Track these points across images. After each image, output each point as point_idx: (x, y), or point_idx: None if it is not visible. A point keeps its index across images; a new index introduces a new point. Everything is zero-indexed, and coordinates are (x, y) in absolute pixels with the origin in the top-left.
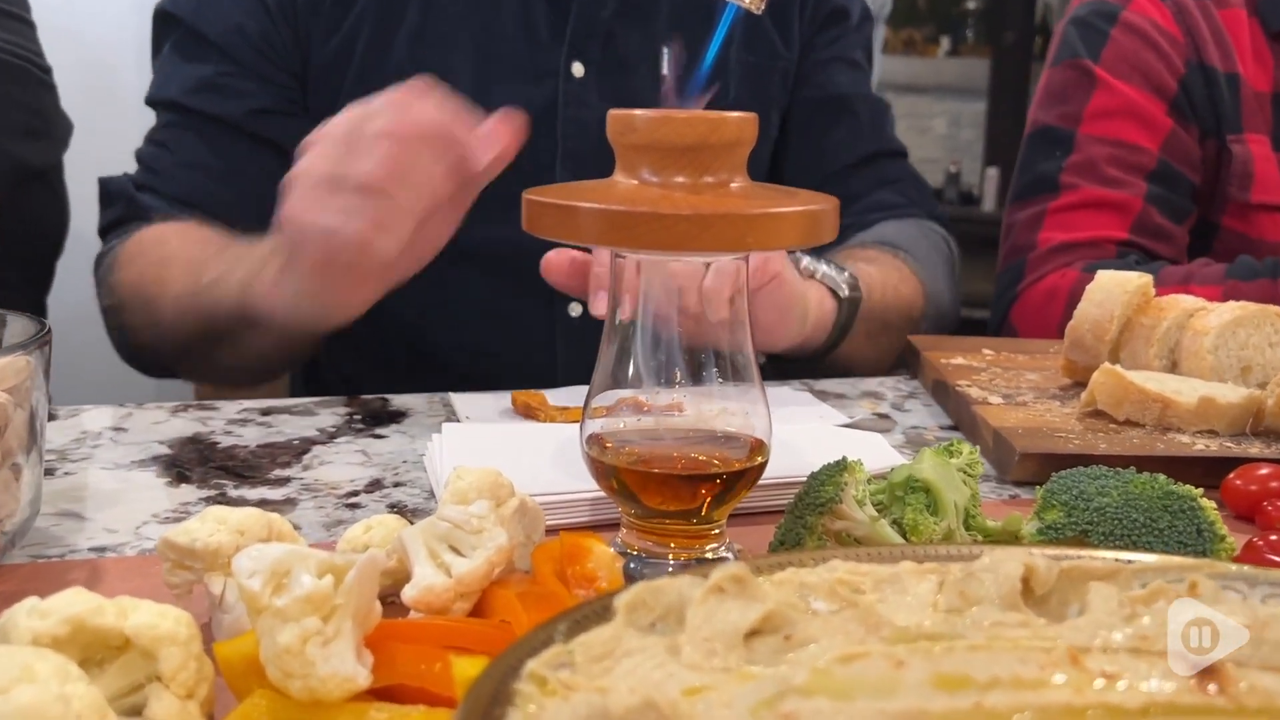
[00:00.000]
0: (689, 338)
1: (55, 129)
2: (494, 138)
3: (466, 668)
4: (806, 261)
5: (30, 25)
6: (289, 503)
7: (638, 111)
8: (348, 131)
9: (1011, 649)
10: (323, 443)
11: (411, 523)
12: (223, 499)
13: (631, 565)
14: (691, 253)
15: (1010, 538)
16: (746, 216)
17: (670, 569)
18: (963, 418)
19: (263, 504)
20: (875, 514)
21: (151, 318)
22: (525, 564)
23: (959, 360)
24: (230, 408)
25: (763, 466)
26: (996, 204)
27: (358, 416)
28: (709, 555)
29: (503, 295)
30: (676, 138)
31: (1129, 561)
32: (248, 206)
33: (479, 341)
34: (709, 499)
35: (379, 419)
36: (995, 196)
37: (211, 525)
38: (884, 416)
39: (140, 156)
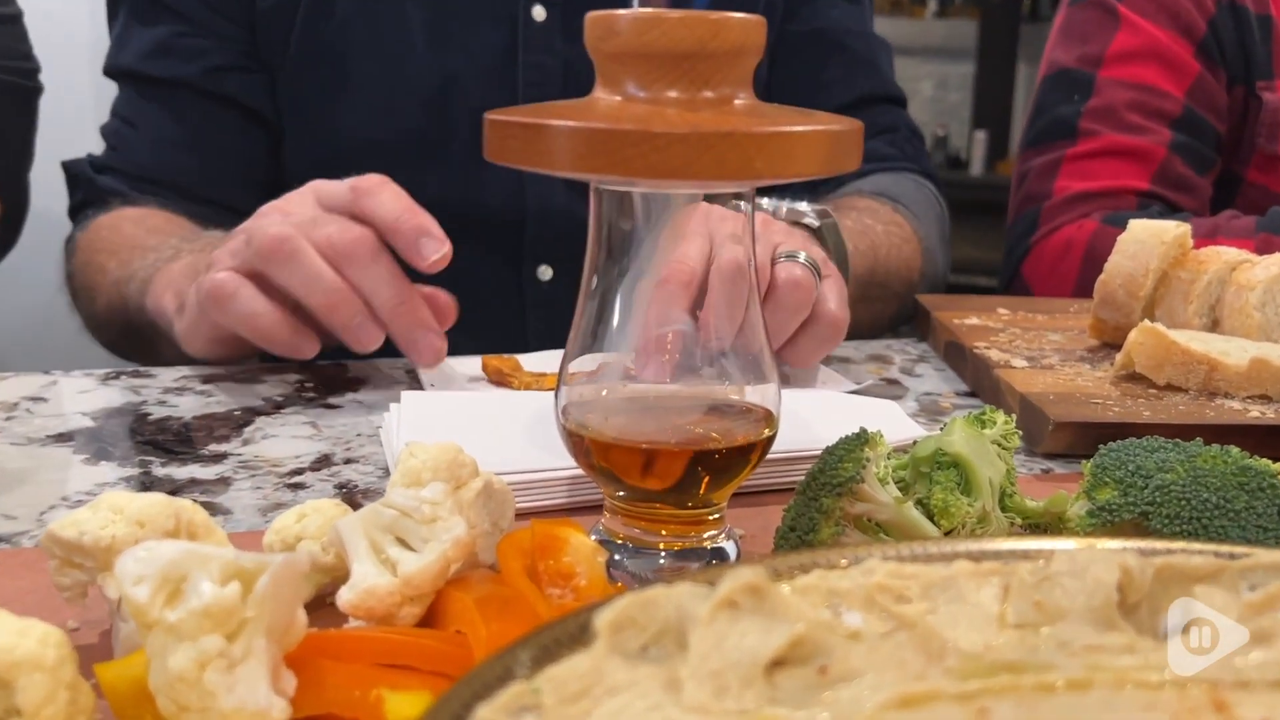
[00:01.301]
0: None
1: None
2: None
3: (401, 707)
4: (765, 203)
5: (15, 21)
6: (222, 482)
7: (621, 11)
8: (287, 238)
9: (1123, 686)
10: (267, 413)
11: (360, 506)
12: (146, 479)
13: (616, 557)
14: (687, 181)
15: (1054, 521)
16: (754, 136)
17: (662, 560)
18: (982, 383)
19: (192, 484)
20: (900, 495)
21: (89, 308)
22: (491, 556)
23: (973, 320)
24: (168, 374)
25: (770, 440)
26: (984, 167)
27: (309, 384)
28: (706, 544)
29: (465, 257)
30: (669, 43)
31: (1231, 556)
32: (218, 174)
33: None
34: (707, 479)
35: (333, 387)
36: (983, 160)
37: (105, 515)
38: (893, 382)
39: (104, 133)
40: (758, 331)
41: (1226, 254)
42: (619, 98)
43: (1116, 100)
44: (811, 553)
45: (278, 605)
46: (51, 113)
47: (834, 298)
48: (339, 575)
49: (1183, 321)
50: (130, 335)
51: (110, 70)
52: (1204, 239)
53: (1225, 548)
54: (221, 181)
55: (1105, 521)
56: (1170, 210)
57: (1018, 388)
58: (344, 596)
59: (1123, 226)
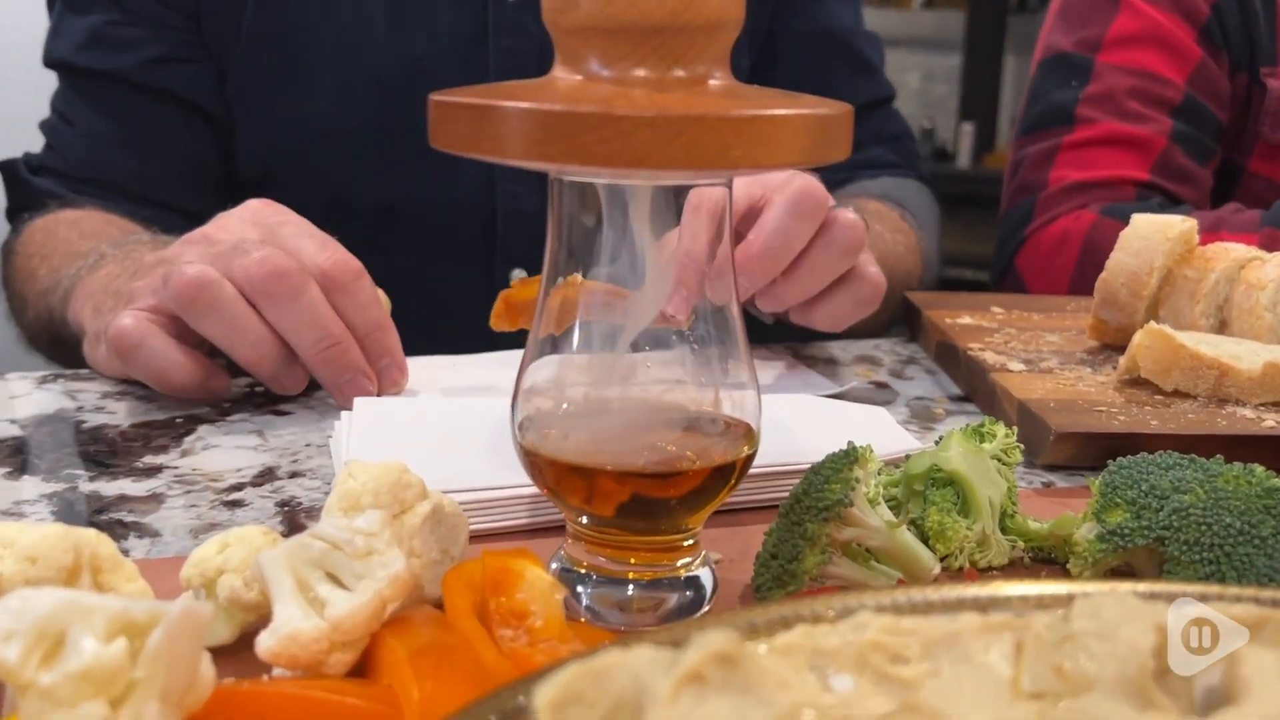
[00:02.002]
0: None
1: None
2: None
3: None
4: None
5: None
6: (153, 499)
7: None
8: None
9: None
10: (211, 421)
11: (303, 527)
12: (71, 495)
13: (579, 589)
14: (655, 170)
15: (1060, 545)
16: (731, 121)
17: (630, 592)
18: (977, 387)
19: (119, 501)
20: (893, 518)
21: (21, 319)
22: (440, 589)
23: (966, 320)
24: (109, 378)
25: (750, 459)
26: (971, 160)
27: (259, 389)
28: (680, 572)
29: (434, 261)
30: (636, 15)
31: (1274, 603)
32: (161, 173)
33: (408, 313)
34: (680, 503)
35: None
36: (970, 152)
37: None
38: (882, 385)
39: (42, 129)
40: (736, 331)
41: (1235, 251)
42: (580, 77)
43: (1116, 86)
44: (794, 604)
45: (174, 662)
46: (12, 101)
47: (874, 265)
48: (265, 613)
49: (1189, 323)
50: (60, 348)
51: (47, 61)
52: (1207, 234)
53: (1267, 593)
54: (166, 181)
55: (1117, 547)
56: (1170, 202)
57: (1015, 393)
58: (264, 643)
59: (1121, 218)
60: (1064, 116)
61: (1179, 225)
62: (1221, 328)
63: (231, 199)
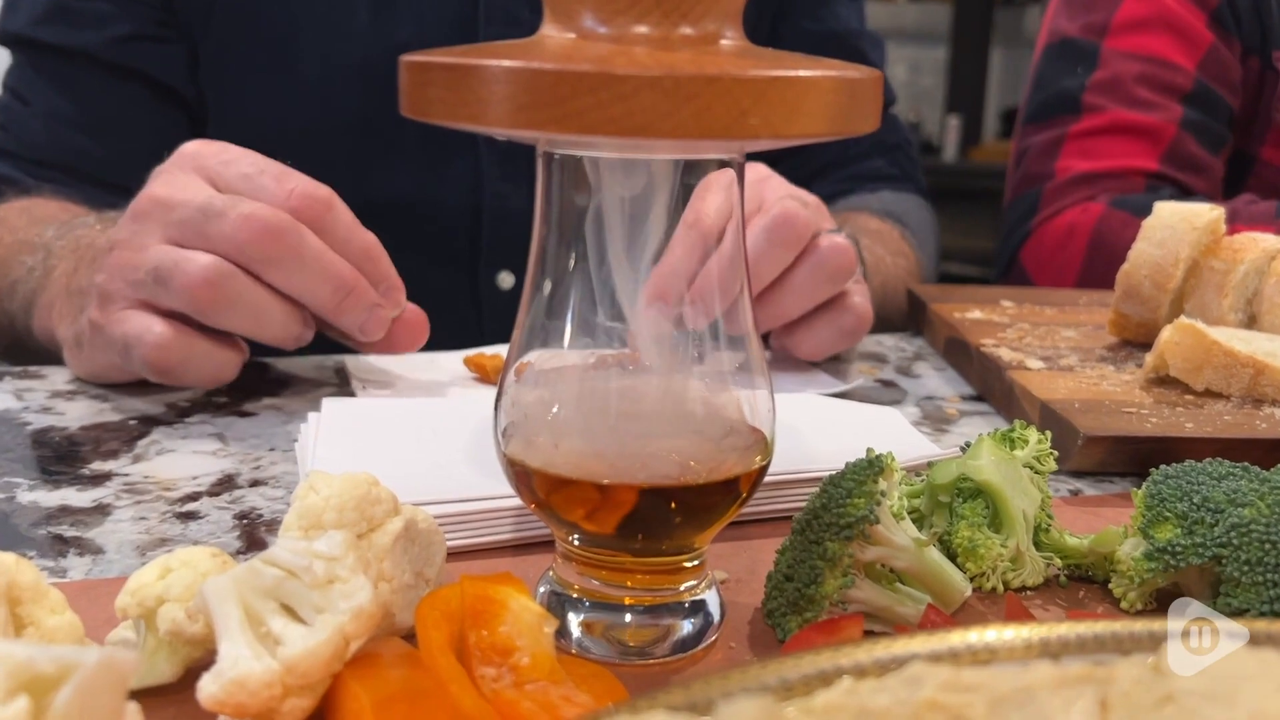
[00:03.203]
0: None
1: None
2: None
3: None
4: None
5: None
6: (98, 511)
7: None
8: (191, 214)
9: None
10: (168, 423)
11: (264, 543)
12: (8, 507)
13: (569, 616)
14: (661, 140)
15: (1101, 562)
16: (748, 83)
17: (628, 619)
18: (992, 386)
19: (61, 513)
20: (920, 536)
21: None
22: (411, 618)
23: (976, 314)
24: (61, 375)
25: (764, 470)
26: (958, 153)
27: (221, 387)
28: (684, 597)
29: (417, 261)
30: None
31: None
32: (126, 158)
33: None
34: (685, 520)
35: (249, 390)
36: (956, 146)
37: None
38: (889, 384)
39: None
40: (747, 327)
41: (1264, 241)
42: (573, 35)
43: (1123, 73)
44: (833, 653)
45: None
46: None
47: (861, 295)
48: (213, 648)
49: (1216, 317)
50: (19, 350)
51: (0, 36)
52: None
53: None
54: (132, 167)
55: (1167, 566)
56: (1181, 193)
57: (1036, 394)
58: (206, 688)
59: (1130, 210)
60: (1070, 104)
61: (1206, 214)
62: (1250, 322)
63: None
